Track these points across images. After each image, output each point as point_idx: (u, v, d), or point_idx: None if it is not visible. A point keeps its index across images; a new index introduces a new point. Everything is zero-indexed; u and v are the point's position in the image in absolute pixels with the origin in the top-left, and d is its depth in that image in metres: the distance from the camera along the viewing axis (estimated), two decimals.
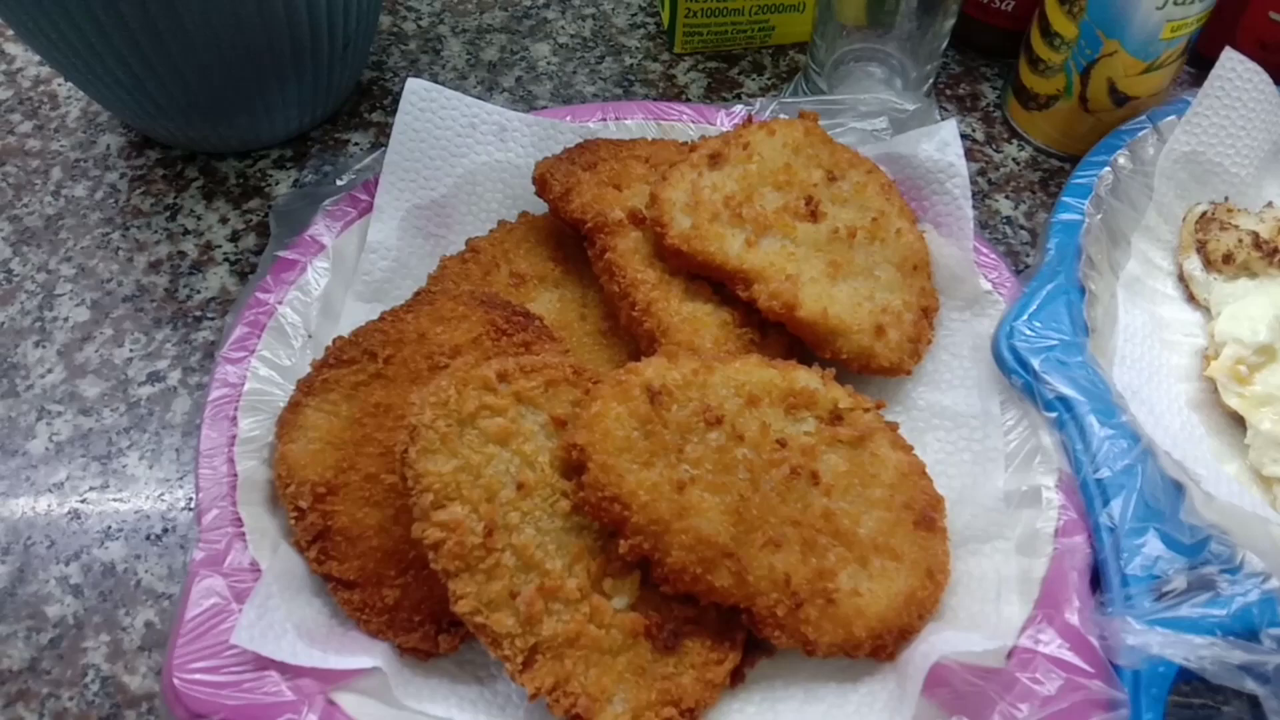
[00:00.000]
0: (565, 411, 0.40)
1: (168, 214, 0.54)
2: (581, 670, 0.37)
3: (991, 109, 0.60)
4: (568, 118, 0.53)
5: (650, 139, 0.51)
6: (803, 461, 0.40)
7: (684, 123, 0.53)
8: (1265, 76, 0.53)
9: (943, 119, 0.57)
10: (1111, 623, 0.36)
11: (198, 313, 0.50)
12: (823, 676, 0.40)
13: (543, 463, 0.39)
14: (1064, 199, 0.50)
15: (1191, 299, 0.51)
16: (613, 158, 0.49)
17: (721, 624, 0.39)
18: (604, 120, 0.53)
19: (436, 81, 0.59)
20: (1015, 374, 0.44)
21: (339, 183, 0.51)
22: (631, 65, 0.62)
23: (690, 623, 0.39)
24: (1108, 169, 0.51)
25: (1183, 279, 0.52)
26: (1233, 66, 0.52)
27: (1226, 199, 0.53)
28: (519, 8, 0.64)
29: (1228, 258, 0.50)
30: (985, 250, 0.49)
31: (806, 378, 0.42)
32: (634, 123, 0.53)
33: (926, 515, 0.41)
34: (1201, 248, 0.51)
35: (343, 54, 0.54)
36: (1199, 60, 0.63)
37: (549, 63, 0.61)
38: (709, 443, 0.39)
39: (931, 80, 0.56)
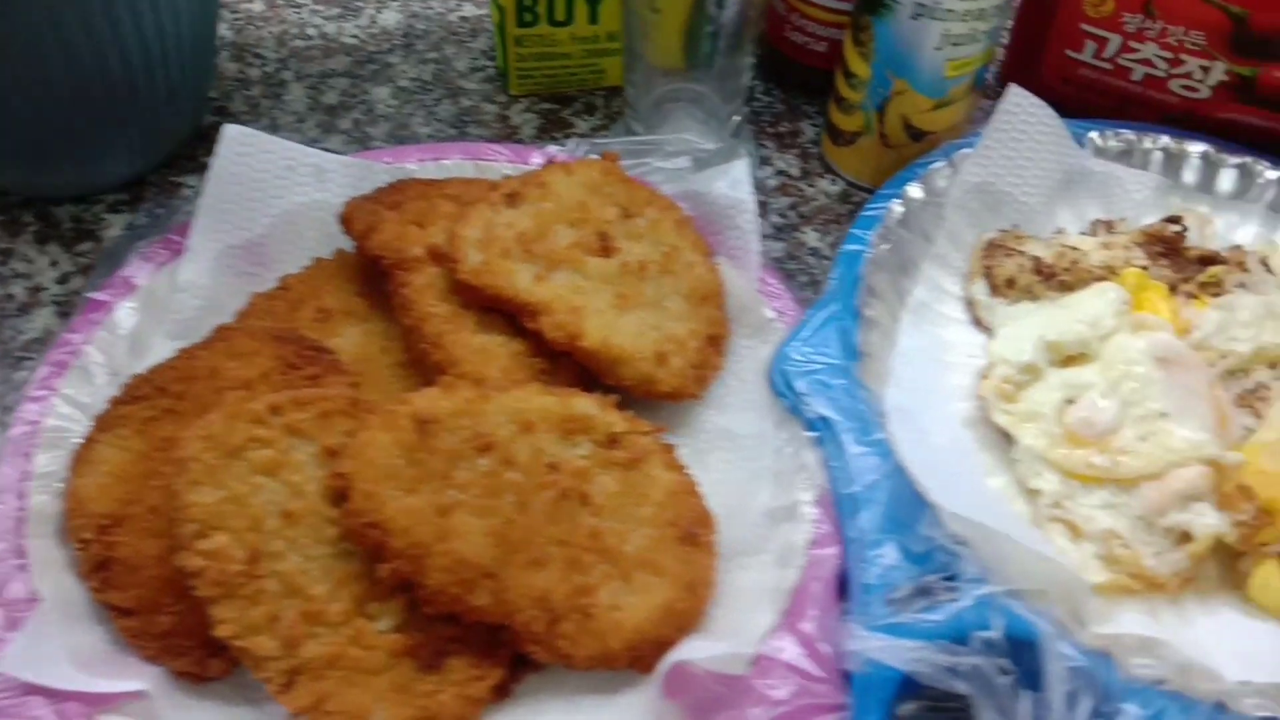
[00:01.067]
0: (338, 442, 0.41)
1: (0, 258, 0.56)
2: (341, 690, 0.39)
3: (809, 145, 0.63)
4: (387, 159, 0.55)
5: (466, 178, 0.54)
6: (573, 484, 0.43)
7: (500, 162, 0.55)
8: (1049, 111, 0.56)
9: (755, 155, 0.61)
10: (842, 629, 0.39)
11: (20, 354, 0.52)
12: (585, 689, 0.41)
13: (311, 492, 0.41)
14: (852, 231, 0.53)
15: (978, 322, 0.54)
16: (421, 197, 0.51)
17: (487, 643, 0.41)
18: (422, 161, 0.55)
19: (275, 125, 0.62)
20: (784, 395, 0.46)
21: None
22: (468, 107, 0.64)
23: (455, 642, 0.41)
24: (898, 201, 0.54)
25: (970, 303, 0.54)
26: (1017, 102, 0.55)
27: (1015, 226, 0.56)
28: (363, 53, 0.67)
29: (1010, 282, 0.53)
30: (772, 281, 0.52)
31: (585, 404, 0.45)
32: (451, 163, 0.55)
33: (691, 532, 0.44)
34: (988, 273, 0.54)
35: (170, 102, 0.56)
36: None
37: (387, 105, 0.64)
38: (478, 469, 0.41)
39: (739, 119, 0.59)
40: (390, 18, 0.69)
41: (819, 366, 0.47)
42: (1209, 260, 0.55)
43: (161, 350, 0.49)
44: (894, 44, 0.54)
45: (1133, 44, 0.59)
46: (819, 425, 0.45)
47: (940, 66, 0.54)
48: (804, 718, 0.38)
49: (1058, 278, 0.53)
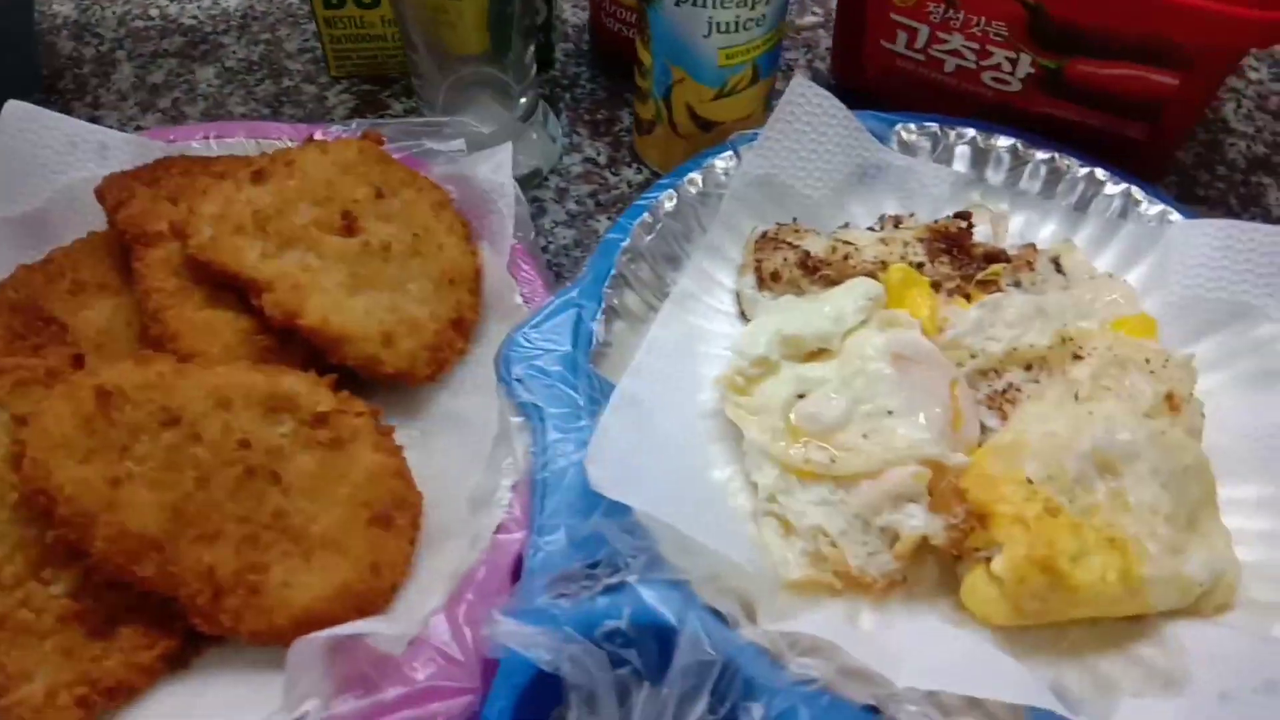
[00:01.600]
0: (23, 409, 0.42)
1: None
2: (5, 650, 0.40)
3: (624, 134, 0.63)
4: (170, 137, 0.56)
5: (235, 157, 0.54)
6: (264, 461, 0.43)
7: (283, 141, 0.56)
8: (836, 103, 0.55)
9: (559, 139, 0.60)
10: (488, 615, 0.38)
11: None
12: (262, 664, 0.42)
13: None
14: (620, 220, 0.52)
15: (744, 315, 0.53)
16: (184, 174, 0.52)
17: (160, 613, 0.42)
18: (206, 139, 0.56)
19: (97, 103, 0.63)
20: (504, 381, 0.46)
21: None
22: (288, 88, 0.65)
23: (129, 610, 0.41)
24: (673, 191, 0.54)
25: (739, 296, 0.54)
26: (802, 93, 0.54)
27: (795, 220, 0.55)
28: (199, 34, 0.68)
29: (775, 275, 0.53)
30: (527, 266, 0.51)
31: (293, 383, 0.45)
32: (235, 141, 0.56)
33: (385, 514, 0.44)
34: (757, 266, 0.53)
35: None
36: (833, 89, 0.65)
37: (210, 85, 0.65)
38: (160, 442, 0.42)
39: (525, 101, 0.58)
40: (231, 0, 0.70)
41: (542, 353, 0.46)
42: (994, 258, 0.54)
43: None
44: (667, 32, 0.53)
45: (941, 34, 0.58)
46: (528, 410, 0.45)
47: (713, 55, 0.53)
48: (437, 699, 0.37)
49: (821, 273, 0.52)
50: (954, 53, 0.58)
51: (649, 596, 0.38)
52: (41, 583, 0.41)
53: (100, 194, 0.51)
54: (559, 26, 0.65)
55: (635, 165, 0.61)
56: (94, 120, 0.57)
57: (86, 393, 0.41)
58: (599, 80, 0.65)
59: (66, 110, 0.59)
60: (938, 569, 0.45)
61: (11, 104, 0.53)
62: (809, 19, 0.70)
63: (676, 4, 0.51)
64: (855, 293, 0.50)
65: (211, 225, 0.48)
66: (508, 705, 0.37)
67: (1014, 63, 0.57)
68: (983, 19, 0.56)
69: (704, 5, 0.51)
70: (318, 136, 0.56)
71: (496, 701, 0.37)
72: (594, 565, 0.39)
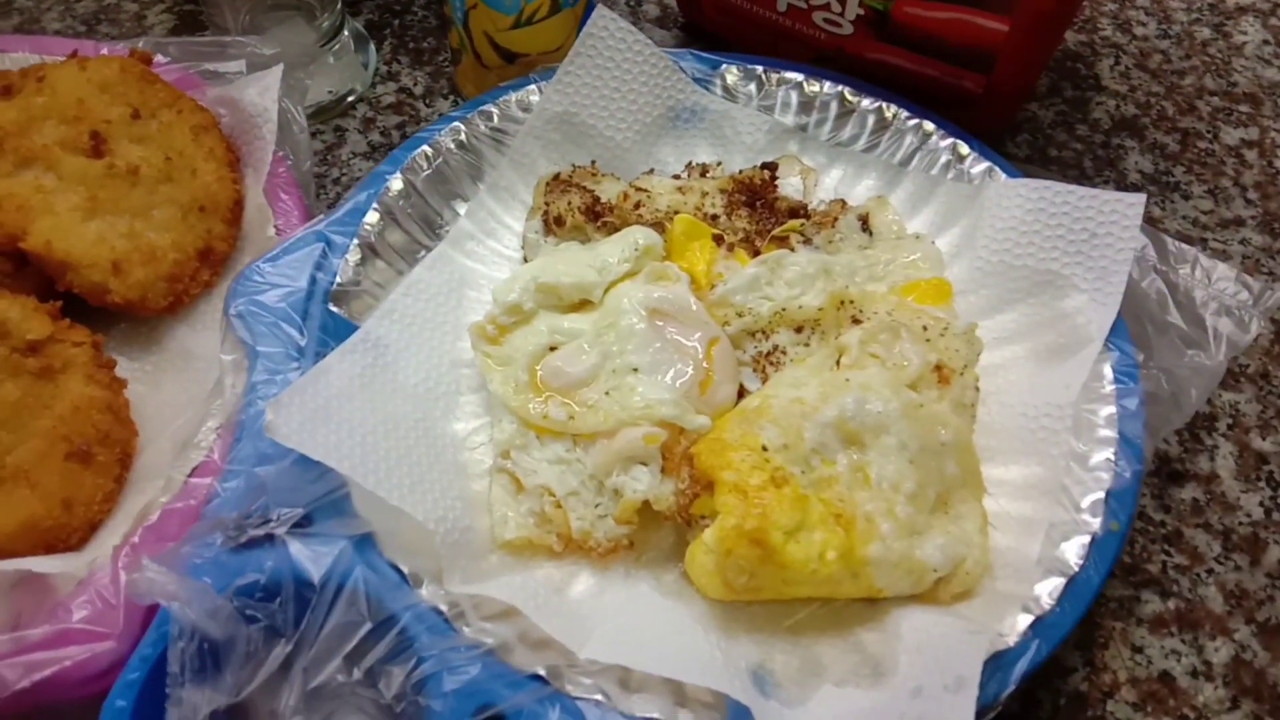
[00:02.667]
0: None
1: None
2: None
3: (446, 64, 0.60)
4: None
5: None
6: None
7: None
8: (642, 39, 0.51)
9: (372, 64, 0.57)
10: (140, 561, 0.37)
11: None
12: None
13: None
14: (395, 152, 0.49)
15: (527, 260, 0.51)
16: None
17: None
18: None
19: None
20: (227, 315, 0.44)
21: None
22: (108, 5, 0.62)
23: None
24: (460, 125, 0.51)
25: (524, 243, 0.51)
26: (605, 26, 0.51)
27: (592, 164, 0.52)
28: None
29: (559, 220, 0.50)
30: (287, 197, 0.49)
31: (6, 307, 0.43)
32: (19, 55, 0.53)
33: (86, 450, 0.42)
34: (545, 210, 0.50)
35: None
36: (688, 27, 0.62)
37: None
38: None
39: (326, 25, 0.55)
40: None
41: (270, 288, 0.44)
42: (796, 213, 0.51)
43: None
44: None
45: None
46: (249, 349, 0.43)
47: None
48: (78, 641, 0.36)
49: (605, 219, 0.49)
50: None
51: (297, 551, 0.36)
52: None
53: None
54: None
55: (452, 97, 0.58)
56: None
57: None
58: (433, 6, 0.62)
59: None
60: (674, 536, 0.43)
61: None
62: None
63: None
64: (624, 242, 0.47)
65: None
66: (152, 654, 0.35)
67: (843, 3, 0.53)
68: None
69: None
70: (103, 52, 0.53)
71: (144, 649, 0.35)
72: (248, 516, 0.37)
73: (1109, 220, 0.47)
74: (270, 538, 0.36)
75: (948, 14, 0.51)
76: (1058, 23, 0.52)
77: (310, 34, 0.55)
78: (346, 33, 0.57)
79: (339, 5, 0.55)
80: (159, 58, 0.52)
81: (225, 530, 0.36)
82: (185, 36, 0.54)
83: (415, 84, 0.59)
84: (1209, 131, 0.59)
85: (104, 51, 0.52)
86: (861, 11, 0.53)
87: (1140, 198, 0.47)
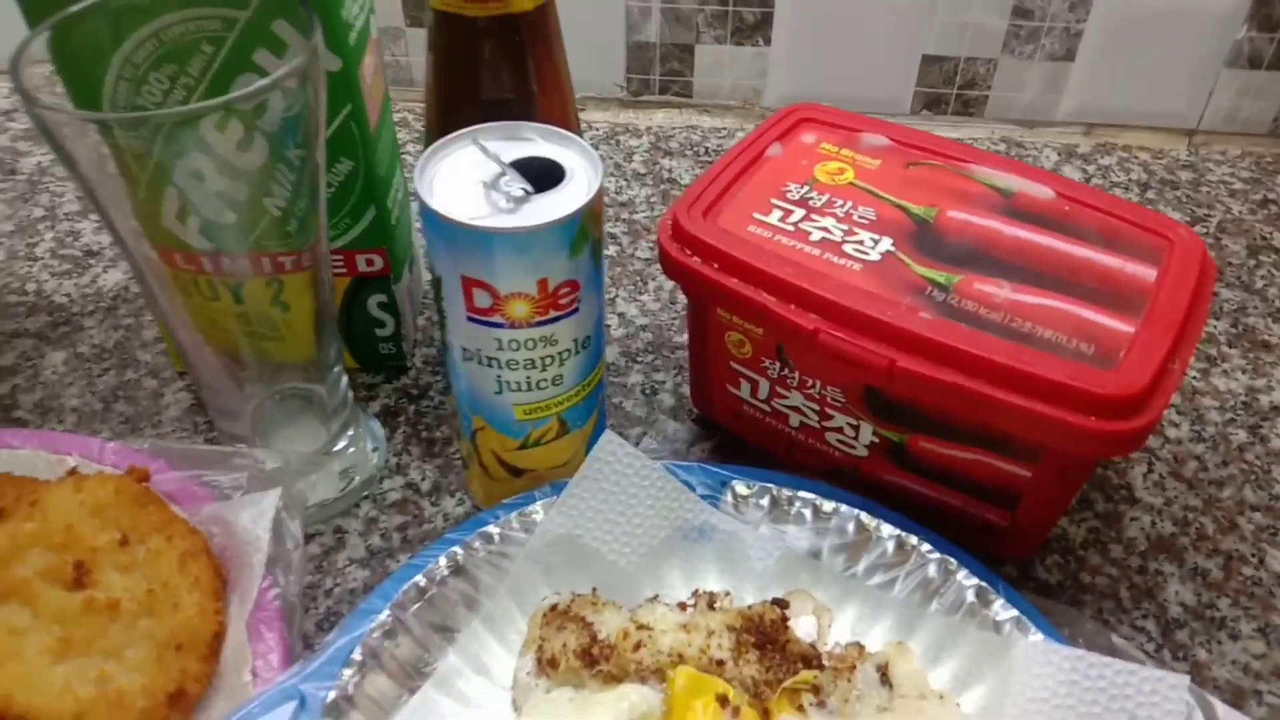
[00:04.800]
0: None
1: None
2: None
3: (456, 457, 0.59)
4: None
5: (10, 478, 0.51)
6: None
7: (73, 456, 0.53)
8: (650, 463, 0.50)
9: (383, 461, 0.57)
10: None
11: None
12: None
13: None
14: (383, 584, 0.47)
15: (516, 706, 0.47)
16: None
17: None
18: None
19: None
20: None
21: None
22: (129, 380, 0.63)
23: None
24: (458, 549, 0.49)
25: (514, 684, 0.48)
26: (612, 450, 0.50)
27: (594, 592, 0.49)
28: (62, 314, 0.67)
29: (553, 662, 0.46)
30: (270, 634, 0.46)
31: None
32: (28, 452, 0.53)
33: None
34: (539, 650, 0.47)
35: None
36: (702, 420, 0.61)
37: (54, 373, 0.63)
38: None
39: (342, 424, 0.55)
40: (112, 278, 0.70)
41: None
42: (809, 660, 0.47)
43: None
44: (462, 381, 0.50)
45: (780, 390, 0.53)
46: None
47: (509, 410, 0.49)
48: None
49: (600, 667, 0.46)
50: (795, 409, 0.54)
51: None
52: None
53: None
54: (413, 336, 0.63)
55: (459, 495, 0.57)
56: None
57: None
58: (449, 393, 0.62)
59: None
60: None
61: None
62: (684, 337, 0.67)
63: (464, 360, 0.48)
64: (619, 707, 0.43)
65: None
66: None
67: (855, 429, 0.52)
68: (818, 382, 0.51)
69: (491, 365, 0.47)
70: (109, 457, 0.53)
71: None
72: None
73: (1149, 700, 0.43)
74: None
75: (968, 454, 0.49)
76: (1087, 467, 0.50)
77: (321, 433, 0.55)
78: (354, 429, 0.56)
79: (349, 404, 0.55)
80: (160, 463, 0.52)
81: None
82: (189, 441, 0.53)
83: (423, 479, 0.58)
84: (1254, 555, 0.55)
85: (109, 455, 0.52)
86: (875, 440, 0.51)
87: (1184, 679, 0.43)
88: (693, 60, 0.87)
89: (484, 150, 0.44)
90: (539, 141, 0.46)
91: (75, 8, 0.43)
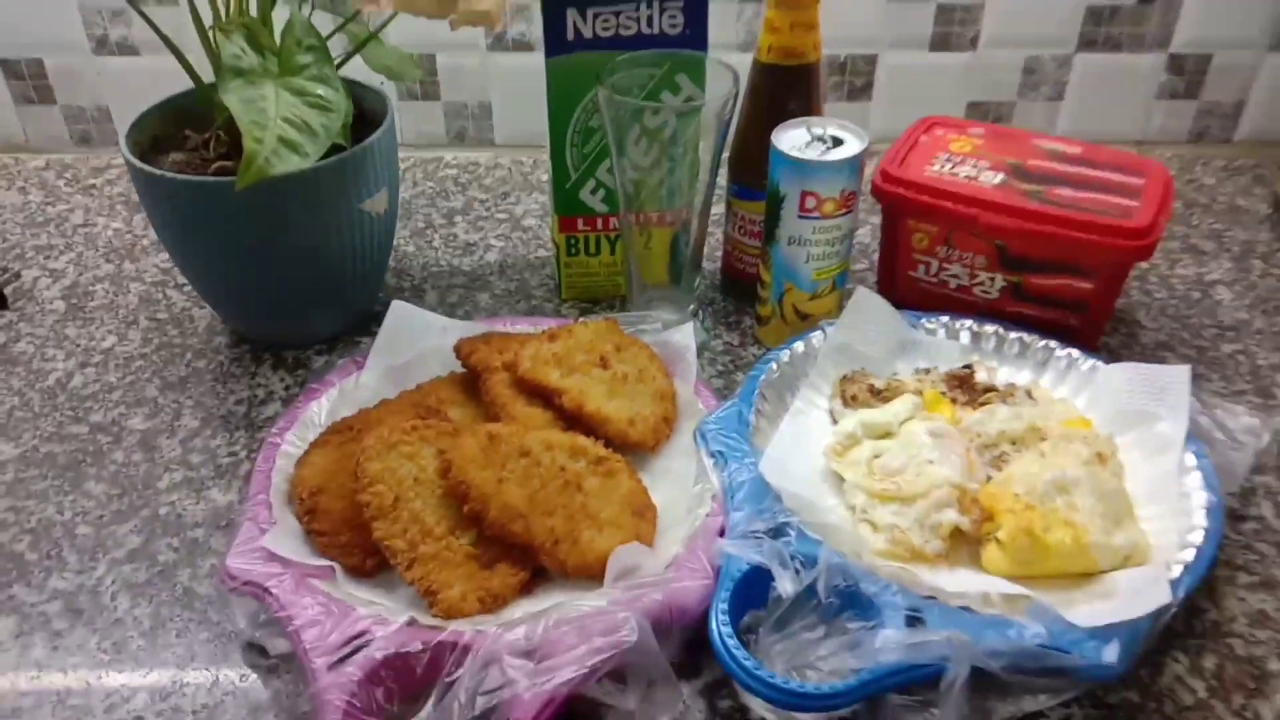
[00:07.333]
0: (446, 446, 0.76)
1: (250, 376, 0.94)
2: (437, 572, 0.70)
3: (748, 327, 1.00)
4: (481, 324, 0.93)
5: (527, 333, 0.91)
6: (573, 479, 0.75)
7: (548, 326, 0.92)
8: (883, 302, 0.91)
9: (710, 332, 0.97)
10: (719, 543, 0.69)
11: (261, 424, 0.88)
12: (577, 590, 0.72)
13: (430, 469, 0.74)
14: (758, 364, 0.87)
15: (834, 421, 0.87)
16: (500, 339, 0.88)
17: (521, 556, 0.72)
18: (504, 325, 0.93)
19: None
20: (700, 445, 0.79)
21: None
22: (535, 305, 1.03)
23: (504, 553, 0.72)
24: (787, 352, 0.89)
25: (830, 412, 0.87)
26: (866, 296, 0.91)
27: (863, 369, 0.90)
28: (472, 275, 1.07)
29: (854, 397, 0.86)
30: (704, 391, 0.86)
31: (583, 441, 0.78)
32: (521, 327, 0.93)
33: (640, 511, 0.75)
34: (842, 394, 0.87)
35: (360, 290, 0.96)
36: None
37: (486, 304, 1.03)
38: (520, 464, 0.75)
39: (693, 308, 0.95)
40: (492, 255, 1.10)
41: (721, 430, 0.80)
42: (988, 390, 0.88)
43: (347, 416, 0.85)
44: (781, 260, 0.91)
45: (944, 265, 0.95)
46: (717, 457, 0.78)
47: (809, 273, 0.90)
48: (687, 590, 0.68)
49: (882, 395, 0.86)
50: (954, 275, 0.95)
51: (797, 539, 0.69)
52: (456, 537, 0.72)
53: (458, 349, 0.87)
54: (704, 272, 1.04)
55: (754, 346, 0.97)
56: None
57: (482, 436, 0.75)
58: (729, 300, 1.03)
59: None
60: (964, 550, 0.75)
61: (396, 302, 0.91)
62: (859, 266, 1.09)
63: (788, 245, 0.89)
64: (905, 403, 0.84)
65: (530, 360, 0.83)
66: (728, 594, 0.67)
67: (991, 280, 0.94)
68: (970, 253, 0.93)
69: (803, 244, 0.89)
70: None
71: (721, 590, 0.67)
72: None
73: (1171, 382, 0.84)
74: (775, 529, 0.70)
75: (1057, 281, 0.91)
76: (1120, 277, 0.92)
77: (679, 310, 0.95)
78: (694, 309, 0.97)
79: (695, 296, 0.96)
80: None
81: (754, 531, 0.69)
82: (619, 313, 0.94)
83: (732, 340, 0.98)
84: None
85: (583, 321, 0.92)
86: (1004, 284, 0.93)
87: (1186, 369, 0.84)
88: None
89: (808, 128, 0.87)
90: (828, 126, 0.89)
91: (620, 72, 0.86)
